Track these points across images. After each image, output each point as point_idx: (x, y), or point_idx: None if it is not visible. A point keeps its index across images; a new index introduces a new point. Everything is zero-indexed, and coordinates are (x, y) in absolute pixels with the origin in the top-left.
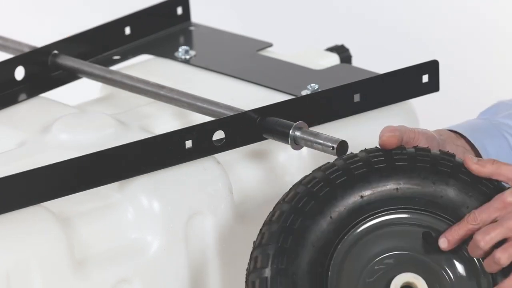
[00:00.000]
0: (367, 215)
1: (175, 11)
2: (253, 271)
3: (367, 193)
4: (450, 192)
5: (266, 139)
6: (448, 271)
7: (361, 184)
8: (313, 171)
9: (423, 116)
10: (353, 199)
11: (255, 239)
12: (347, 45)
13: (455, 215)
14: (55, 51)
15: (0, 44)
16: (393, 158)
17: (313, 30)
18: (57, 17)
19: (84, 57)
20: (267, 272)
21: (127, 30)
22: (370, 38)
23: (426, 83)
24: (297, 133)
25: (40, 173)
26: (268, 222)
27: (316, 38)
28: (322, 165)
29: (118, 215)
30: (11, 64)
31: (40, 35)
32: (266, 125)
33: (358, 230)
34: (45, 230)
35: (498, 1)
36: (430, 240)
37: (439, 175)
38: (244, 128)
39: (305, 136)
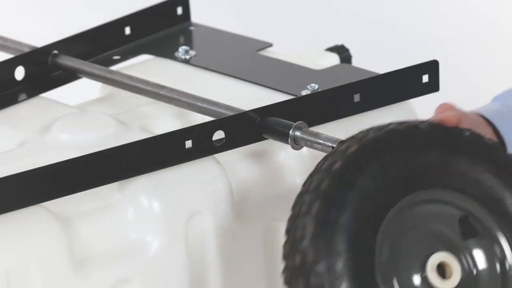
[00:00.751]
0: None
1: (175, 11)
2: (307, 214)
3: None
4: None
5: (266, 139)
6: (483, 260)
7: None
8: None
9: (423, 116)
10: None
11: (304, 184)
12: (347, 45)
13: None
14: (55, 51)
15: (0, 44)
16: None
17: (313, 30)
18: (57, 17)
19: (84, 57)
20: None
21: (127, 30)
22: (370, 38)
23: (426, 83)
24: (297, 133)
25: (40, 173)
26: (324, 170)
27: (316, 38)
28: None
29: (118, 215)
30: (11, 64)
31: (40, 35)
32: (266, 125)
33: (412, 199)
34: (45, 230)
35: (498, 1)
36: (467, 225)
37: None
38: (244, 128)
39: (305, 136)
